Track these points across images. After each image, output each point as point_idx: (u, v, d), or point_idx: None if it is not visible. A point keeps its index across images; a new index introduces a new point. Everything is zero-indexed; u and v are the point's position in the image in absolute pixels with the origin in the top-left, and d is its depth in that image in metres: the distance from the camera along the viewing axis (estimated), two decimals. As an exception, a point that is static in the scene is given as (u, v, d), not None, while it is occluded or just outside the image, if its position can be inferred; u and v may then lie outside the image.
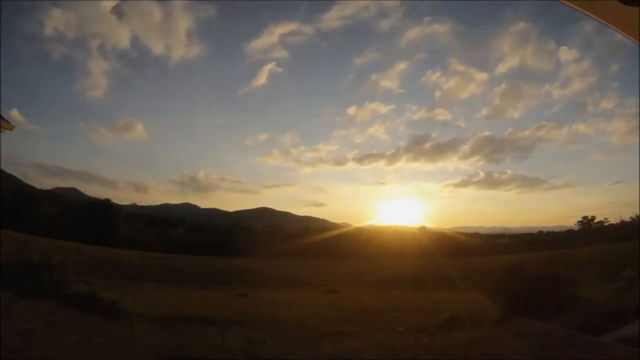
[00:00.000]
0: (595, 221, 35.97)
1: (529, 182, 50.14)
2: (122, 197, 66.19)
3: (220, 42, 50.79)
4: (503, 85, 46.10)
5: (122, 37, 47.48)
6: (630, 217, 34.02)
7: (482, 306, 14.12)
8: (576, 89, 44.56)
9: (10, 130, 12.76)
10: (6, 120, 12.90)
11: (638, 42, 2.45)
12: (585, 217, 36.42)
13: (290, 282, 25.47)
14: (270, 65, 44.86)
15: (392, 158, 50.27)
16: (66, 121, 49.09)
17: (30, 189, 38.74)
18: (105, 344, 8.56)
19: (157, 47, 50.92)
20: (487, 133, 48.02)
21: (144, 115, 50.11)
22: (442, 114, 47.71)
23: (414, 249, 33.23)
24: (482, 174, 50.07)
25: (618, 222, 34.77)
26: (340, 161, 50.27)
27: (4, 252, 14.08)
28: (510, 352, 8.40)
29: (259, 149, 57.13)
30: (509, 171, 51.13)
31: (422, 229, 39.13)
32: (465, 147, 50.15)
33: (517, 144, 47.28)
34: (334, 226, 42.74)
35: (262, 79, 46.37)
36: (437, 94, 48.30)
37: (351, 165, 50.58)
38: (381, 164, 50.48)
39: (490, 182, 50.66)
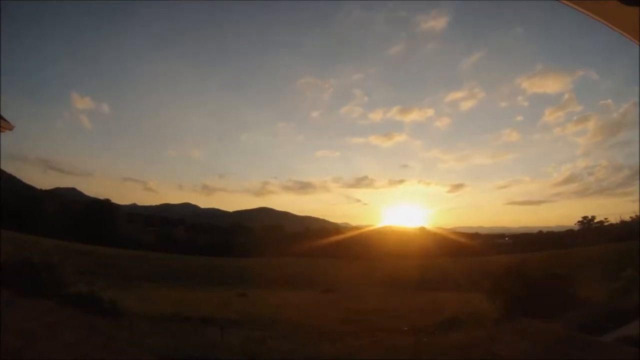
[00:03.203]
0: (595, 221, 35.98)
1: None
2: (122, 197, 66.03)
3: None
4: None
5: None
6: (630, 217, 34.03)
7: (482, 306, 14.11)
8: None
9: (11, 130, 12.76)
10: (6, 120, 12.88)
11: (638, 42, 2.45)
12: (585, 217, 36.47)
13: (290, 282, 25.47)
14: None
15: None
16: (62, 118, 48.88)
17: (30, 189, 38.75)
18: (105, 344, 8.54)
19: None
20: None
21: (142, 112, 49.75)
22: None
23: (415, 249, 33.23)
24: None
25: (618, 222, 34.79)
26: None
27: (4, 252, 14.04)
28: (510, 352, 8.39)
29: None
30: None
31: (422, 229, 39.14)
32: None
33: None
34: (334, 226, 42.79)
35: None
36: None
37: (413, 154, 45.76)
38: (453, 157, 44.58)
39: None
